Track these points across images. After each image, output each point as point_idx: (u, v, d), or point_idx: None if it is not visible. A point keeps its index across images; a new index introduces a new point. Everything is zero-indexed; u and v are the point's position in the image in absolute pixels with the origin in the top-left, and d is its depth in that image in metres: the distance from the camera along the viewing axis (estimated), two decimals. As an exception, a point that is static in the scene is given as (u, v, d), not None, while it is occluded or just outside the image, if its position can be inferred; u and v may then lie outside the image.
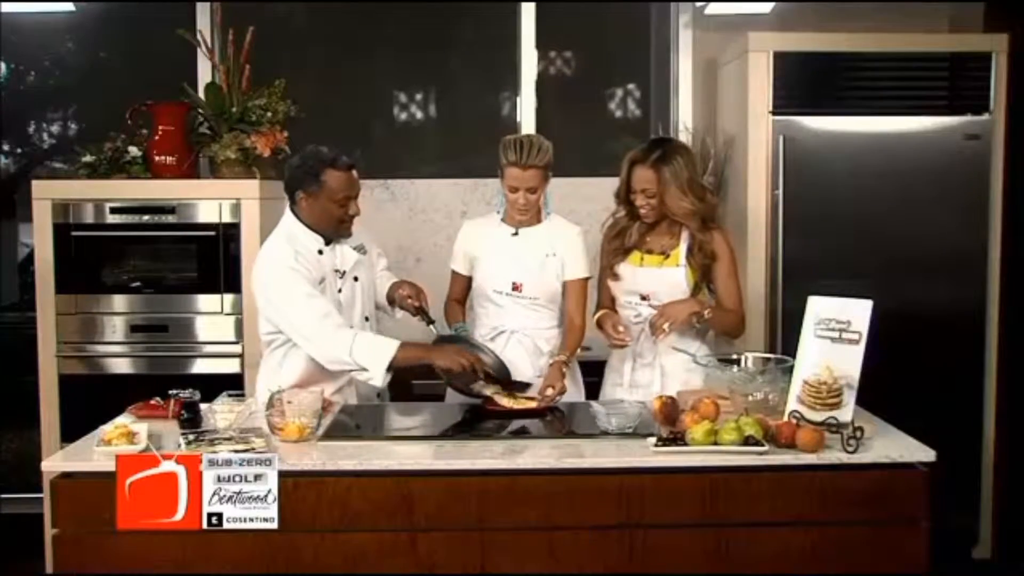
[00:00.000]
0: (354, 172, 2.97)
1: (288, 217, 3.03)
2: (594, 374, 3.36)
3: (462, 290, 3.33)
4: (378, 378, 2.86)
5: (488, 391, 2.94)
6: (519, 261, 3.20)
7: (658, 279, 3.14)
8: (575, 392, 3.22)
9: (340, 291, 3.03)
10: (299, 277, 2.88)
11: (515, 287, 3.20)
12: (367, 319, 3.12)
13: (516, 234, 3.23)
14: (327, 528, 2.41)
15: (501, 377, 3.02)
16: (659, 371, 3.16)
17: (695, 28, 4.63)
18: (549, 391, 2.97)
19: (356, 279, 3.09)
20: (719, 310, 3.15)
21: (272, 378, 2.99)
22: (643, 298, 3.16)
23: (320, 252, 2.99)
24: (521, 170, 3.07)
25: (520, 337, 3.21)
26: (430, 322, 3.14)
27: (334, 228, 2.99)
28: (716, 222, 3.18)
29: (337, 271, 3.03)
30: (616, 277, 3.20)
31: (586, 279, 3.26)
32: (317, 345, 2.88)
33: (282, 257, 2.92)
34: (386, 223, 4.53)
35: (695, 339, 3.20)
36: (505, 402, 2.93)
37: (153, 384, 3.06)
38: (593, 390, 3.33)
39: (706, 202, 3.12)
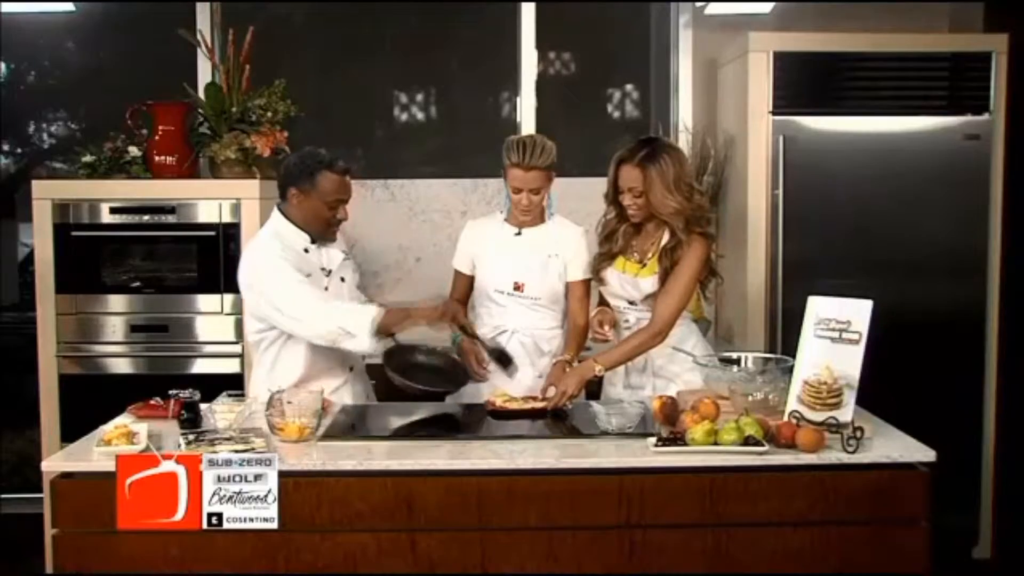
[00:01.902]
0: (348, 177, 3.00)
1: (275, 216, 3.06)
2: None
3: (464, 289, 3.33)
4: (364, 342, 2.84)
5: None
6: (521, 261, 3.20)
7: (635, 287, 3.11)
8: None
9: (327, 288, 3.05)
10: (288, 266, 2.92)
11: (516, 287, 3.20)
12: None
13: (519, 234, 3.23)
14: (327, 528, 2.41)
15: (494, 349, 3.07)
16: (650, 374, 3.15)
17: (695, 28, 4.63)
18: (551, 391, 2.96)
19: (343, 280, 3.11)
20: (622, 345, 3.03)
21: (266, 379, 2.99)
22: (630, 303, 3.15)
23: (306, 251, 3.02)
24: (524, 171, 3.07)
25: (521, 337, 3.22)
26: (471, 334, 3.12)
27: (321, 229, 3.03)
28: (704, 227, 3.06)
29: (324, 269, 3.06)
30: (603, 282, 3.19)
31: (588, 280, 3.25)
32: (306, 323, 2.89)
33: (270, 249, 2.96)
34: (386, 223, 4.53)
35: (689, 339, 3.20)
36: (509, 405, 2.92)
37: (153, 384, 3.05)
38: (593, 391, 3.32)
39: (693, 202, 3.02)
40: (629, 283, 3.11)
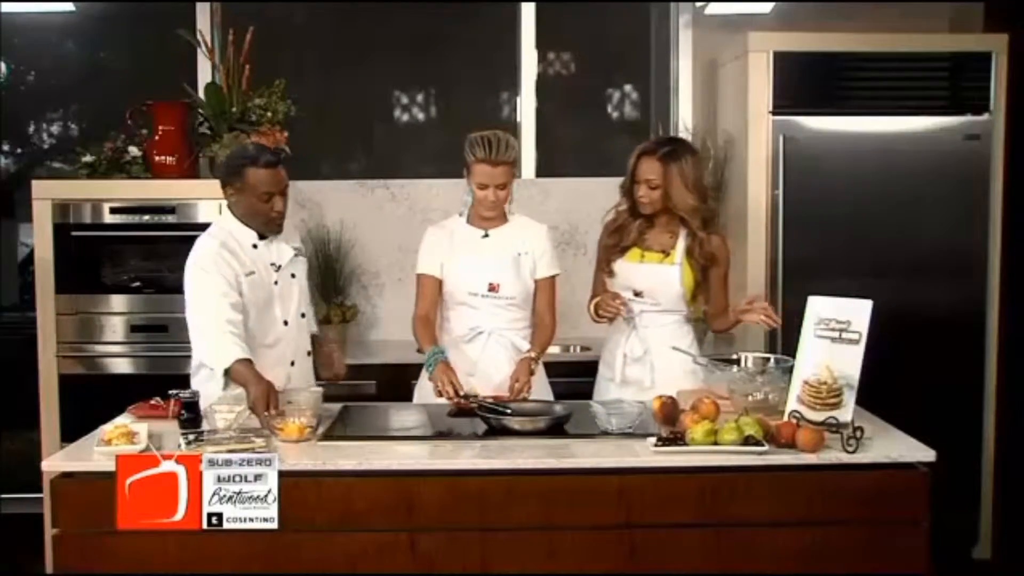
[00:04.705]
0: (277, 169, 2.98)
1: (225, 213, 3.07)
2: (593, 374, 3.36)
3: (434, 295, 3.21)
4: (218, 380, 2.85)
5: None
6: (493, 262, 3.17)
7: (655, 276, 3.15)
8: (543, 391, 3.21)
9: (276, 283, 3.05)
10: (215, 271, 2.93)
11: (491, 288, 3.16)
12: (303, 315, 3.14)
13: (486, 236, 3.20)
14: (327, 528, 2.41)
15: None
16: (649, 367, 3.16)
17: (695, 28, 4.63)
18: (516, 385, 2.98)
19: (294, 276, 3.11)
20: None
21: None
22: (636, 294, 3.17)
23: (255, 246, 3.03)
24: (491, 166, 3.06)
25: (497, 337, 3.18)
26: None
27: (261, 223, 3.03)
28: (715, 228, 3.20)
29: (273, 264, 3.06)
30: (612, 274, 3.20)
31: (555, 276, 3.25)
32: (194, 335, 2.94)
33: (205, 249, 2.98)
34: (386, 223, 4.52)
35: (687, 336, 3.21)
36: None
37: (153, 384, 3.05)
38: (589, 389, 3.32)
39: (707, 204, 3.17)
40: (648, 271, 3.15)
